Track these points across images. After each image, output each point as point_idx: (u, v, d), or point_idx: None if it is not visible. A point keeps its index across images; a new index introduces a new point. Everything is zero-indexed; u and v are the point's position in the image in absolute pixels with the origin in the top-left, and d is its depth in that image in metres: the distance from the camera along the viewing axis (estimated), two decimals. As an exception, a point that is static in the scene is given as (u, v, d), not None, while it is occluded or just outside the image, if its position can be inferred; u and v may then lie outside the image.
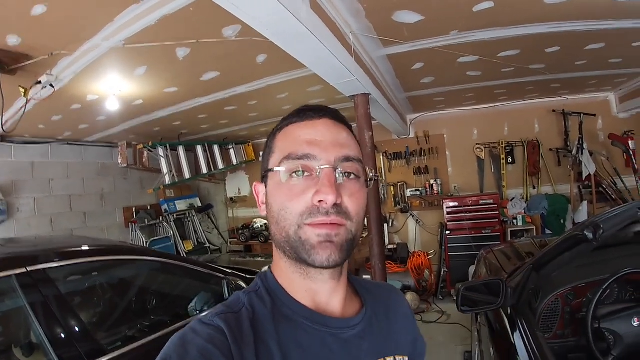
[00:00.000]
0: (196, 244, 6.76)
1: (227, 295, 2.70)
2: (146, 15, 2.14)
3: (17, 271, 1.91)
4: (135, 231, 6.16)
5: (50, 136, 5.02)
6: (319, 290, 0.71)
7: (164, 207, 6.56)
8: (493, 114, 5.69)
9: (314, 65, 2.39)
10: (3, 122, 3.13)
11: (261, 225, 6.77)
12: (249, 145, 7.25)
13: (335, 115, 0.73)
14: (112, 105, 3.55)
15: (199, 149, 6.43)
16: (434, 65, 3.45)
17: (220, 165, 6.72)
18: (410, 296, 5.02)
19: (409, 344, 0.85)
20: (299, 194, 0.65)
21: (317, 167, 0.65)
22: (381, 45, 2.92)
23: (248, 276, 3.14)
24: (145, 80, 3.30)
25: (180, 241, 6.50)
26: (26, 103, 2.93)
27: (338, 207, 0.64)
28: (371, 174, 0.73)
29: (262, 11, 1.62)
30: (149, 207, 6.48)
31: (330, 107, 0.74)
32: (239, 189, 7.75)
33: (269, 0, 1.51)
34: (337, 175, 0.65)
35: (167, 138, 6.00)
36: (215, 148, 6.66)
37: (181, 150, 6.15)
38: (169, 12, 2.10)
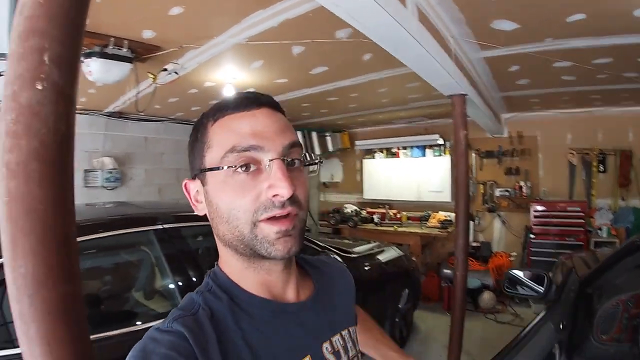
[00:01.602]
0: (288, 222, 7.15)
1: None
2: (270, 18, 2.43)
3: (155, 227, 2.31)
4: (234, 206, 6.73)
5: (164, 115, 5.63)
6: (274, 282, 0.72)
7: (262, 186, 7.08)
8: (588, 119, 5.43)
9: (417, 68, 2.56)
10: (136, 100, 3.70)
11: (351, 211, 6.97)
12: (345, 133, 7.46)
13: (272, 104, 0.72)
14: (228, 92, 3.89)
15: (299, 134, 6.67)
16: (530, 68, 3.48)
17: (317, 151, 7.01)
18: (487, 295, 5.05)
19: (353, 315, 0.91)
20: (250, 189, 0.64)
21: (266, 160, 0.64)
22: (479, 49, 3.02)
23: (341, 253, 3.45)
24: (260, 72, 3.64)
25: (274, 218, 6.93)
26: (155, 87, 3.39)
27: (292, 198, 0.64)
28: (316, 160, 0.75)
29: (379, 25, 1.83)
30: (247, 185, 7.03)
31: (261, 93, 0.73)
32: (332, 175, 7.98)
33: (385, 16, 1.71)
34: (287, 167, 0.66)
35: (269, 123, 6.45)
36: (314, 134, 6.97)
37: (281, 135, 6.56)
38: (291, 17, 2.36)
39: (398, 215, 6.68)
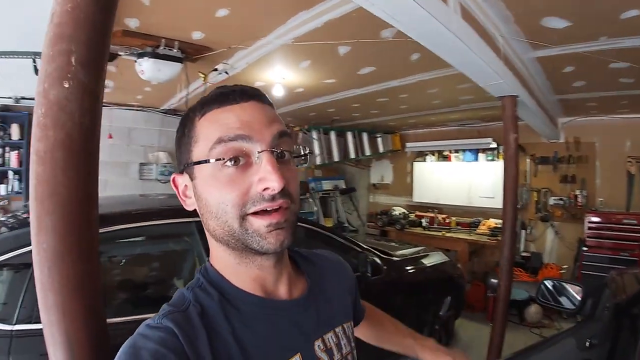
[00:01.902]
0: (336, 222, 7.15)
1: (364, 268, 3.00)
2: (314, 19, 2.46)
3: (198, 219, 2.47)
4: (284, 203, 6.86)
5: None
6: (266, 277, 0.71)
7: (312, 185, 7.14)
8: (648, 125, 4.98)
9: (463, 68, 2.50)
10: (185, 100, 3.91)
11: (399, 214, 6.89)
12: (396, 135, 7.39)
13: (260, 97, 0.70)
14: (278, 92, 4.03)
15: (349, 135, 6.81)
16: (585, 69, 3.30)
17: (368, 152, 7.04)
18: (533, 308, 4.78)
19: (350, 310, 0.90)
20: (239, 183, 0.63)
21: (255, 152, 0.63)
22: (530, 49, 2.92)
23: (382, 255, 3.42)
24: (308, 72, 3.68)
25: (322, 218, 6.94)
26: (206, 86, 3.53)
27: (283, 191, 0.63)
28: (306, 151, 0.73)
29: (418, 22, 1.81)
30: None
31: (249, 86, 0.71)
32: (382, 176, 7.95)
33: (423, 14, 1.69)
34: (276, 158, 0.64)
35: (320, 123, 6.51)
36: (364, 135, 6.99)
37: (332, 135, 6.62)
38: (334, 17, 2.38)
39: (447, 220, 6.52)
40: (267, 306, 0.70)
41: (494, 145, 6.11)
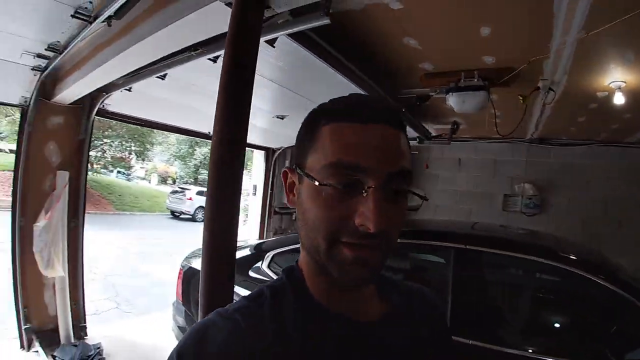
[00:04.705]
0: None
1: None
2: None
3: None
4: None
5: (588, 138, 5.10)
6: (344, 295, 0.69)
7: None
8: None
9: None
10: (498, 128, 3.90)
11: None
12: None
13: (392, 121, 0.65)
14: (618, 100, 3.39)
15: None
16: None
17: None
18: None
19: (432, 342, 0.79)
20: (342, 206, 0.60)
21: (366, 184, 0.60)
22: None
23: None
24: None
25: None
26: (525, 108, 3.44)
27: (380, 233, 0.59)
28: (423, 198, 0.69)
29: None
30: None
31: (386, 103, 0.67)
32: None
33: None
34: (386, 197, 0.61)
35: None
36: None
37: None
38: None
39: None
40: (338, 324, 0.68)
41: None
